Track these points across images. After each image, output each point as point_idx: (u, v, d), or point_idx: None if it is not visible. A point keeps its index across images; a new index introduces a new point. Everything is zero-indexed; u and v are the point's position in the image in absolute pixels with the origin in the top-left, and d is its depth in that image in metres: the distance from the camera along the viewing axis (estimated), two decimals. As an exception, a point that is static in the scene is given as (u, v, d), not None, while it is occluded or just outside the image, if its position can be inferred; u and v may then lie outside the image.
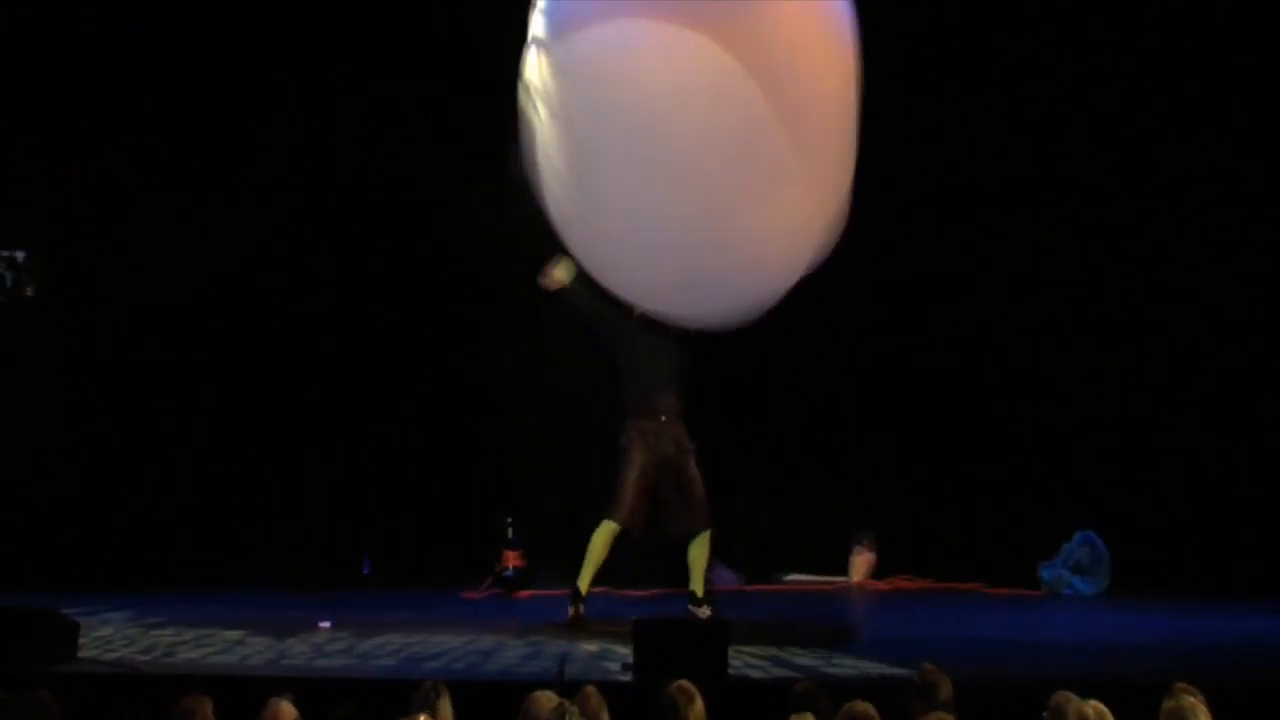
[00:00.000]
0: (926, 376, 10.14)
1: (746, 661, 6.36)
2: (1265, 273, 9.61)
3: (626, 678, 5.93)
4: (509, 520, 9.26)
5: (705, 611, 7.58)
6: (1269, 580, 8.97)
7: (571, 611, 7.41)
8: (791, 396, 10.26)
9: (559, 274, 7.54)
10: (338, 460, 9.79)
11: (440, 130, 9.58)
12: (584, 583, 7.46)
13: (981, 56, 9.87)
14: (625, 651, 6.18)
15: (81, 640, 6.41)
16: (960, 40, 9.86)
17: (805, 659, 6.50)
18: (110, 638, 6.94)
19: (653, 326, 7.50)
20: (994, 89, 9.90)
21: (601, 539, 7.44)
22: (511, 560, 9.18)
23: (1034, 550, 9.76)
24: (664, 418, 7.51)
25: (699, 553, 7.63)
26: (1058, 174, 9.94)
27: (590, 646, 6.84)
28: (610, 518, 7.42)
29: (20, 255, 6.06)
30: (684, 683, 4.59)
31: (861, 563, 10.07)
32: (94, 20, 9.42)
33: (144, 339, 9.48)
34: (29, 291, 6.10)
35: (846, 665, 6.35)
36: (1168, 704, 4.38)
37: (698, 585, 7.66)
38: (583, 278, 7.47)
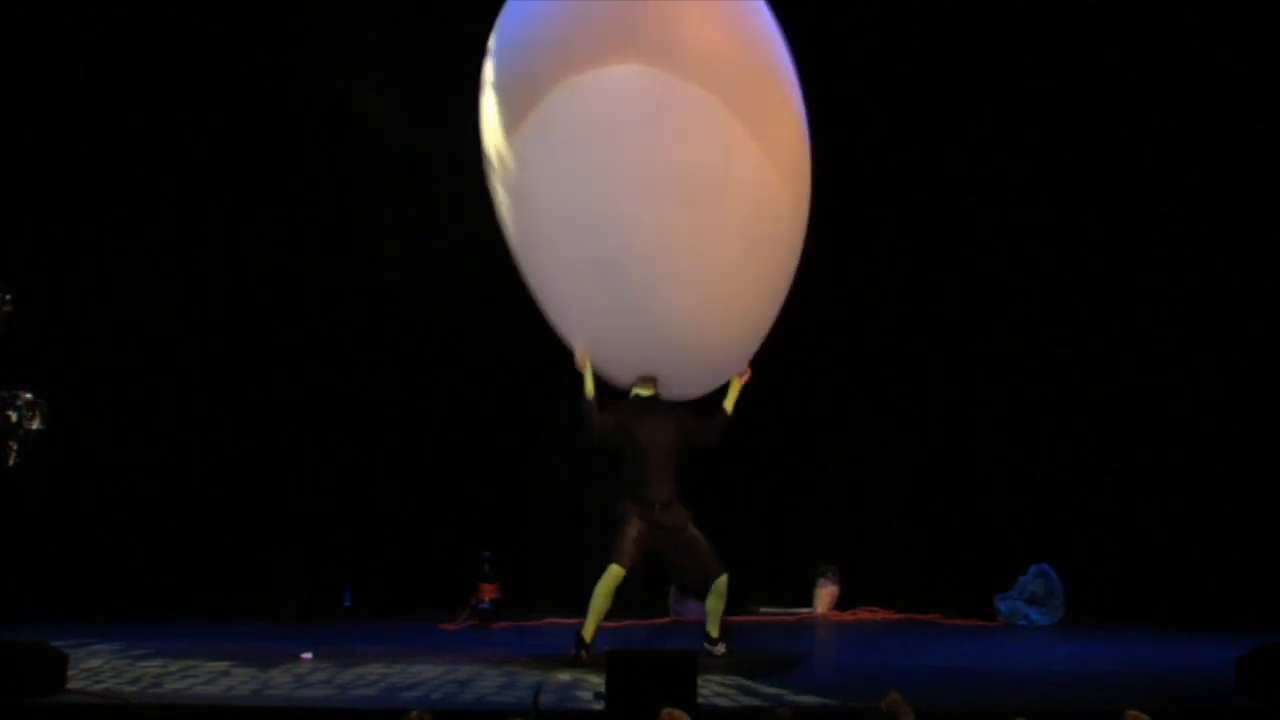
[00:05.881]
0: (887, 416, 10.35)
1: (715, 691, 6.48)
2: (1210, 310, 9.87)
3: (599, 707, 6.01)
4: (486, 555, 9.41)
5: (721, 649, 7.56)
6: (1217, 611, 9.18)
7: (574, 654, 7.36)
8: (759, 436, 10.43)
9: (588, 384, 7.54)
10: (318, 497, 9.88)
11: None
12: (589, 631, 7.40)
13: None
14: (598, 681, 6.26)
15: (70, 672, 6.47)
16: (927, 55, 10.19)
17: (772, 688, 6.60)
18: (98, 669, 6.99)
19: (645, 422, 7.49)
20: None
21: (606, 586, 7.37)
22: (488, 593, 9.31)
23: (991, 583, 9.93)
24: (657, 506, 7.46)
25: (716, 603, 7.58)
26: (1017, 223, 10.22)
27: (564, 676, 6.96)
28: (615, 562, 7.37)
29: (27, 395, 6.35)
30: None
31: (826, 595, 10.26)
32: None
33: (129, 375, 9.59)
34: (35, 425, 6.36)
35: (812, 694, 6.43)
36: (1119, 730, 4.55)
37: (714, 628, 7.62)
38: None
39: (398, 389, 10.11)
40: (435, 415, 10.16)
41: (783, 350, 10.26)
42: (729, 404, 7.69)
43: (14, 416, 6.33)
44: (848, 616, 10.09)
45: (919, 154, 10.21)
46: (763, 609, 10.22)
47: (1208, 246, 9.90)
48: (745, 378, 7.74)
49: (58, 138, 9.60)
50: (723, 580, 7.56)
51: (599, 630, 7.49)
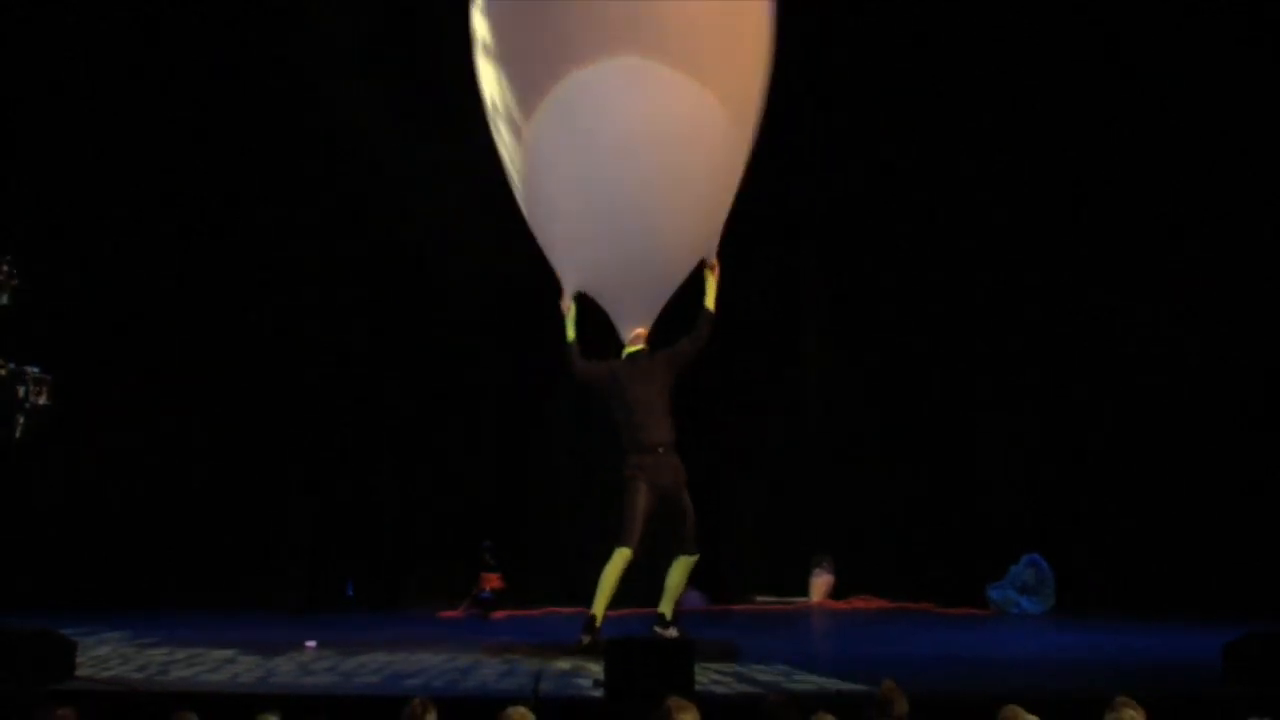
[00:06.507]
0: (882, 408, 10.43)
1: (711, 678, 6.54)
2: (1202, 304, 9.88)
3: (598, 695, 6.07)
4: (487, 544, 9.50)
5: (672, 633, 7.58)
6: (1205, 599, 9.22)
7: (586, 639, 7.36)
8: (757, 428, 10.52)
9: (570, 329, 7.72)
10: (322, 489, 9.96)
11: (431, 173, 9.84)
12: (599, 611, 7.41)
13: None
14: (597, 669, 6.31)
15: (79, 659, 6.54)
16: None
17: (768, 675, 6.68)
18: (106, 656, 7.08)
19: (637, 368, 7.60)
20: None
21: (615, 568, 7.39)
22: (489, 583, 9.41)
23: (982, 572, 10.05)
24: (660, 450, 7.52)
25: (678, 578, 7.65)
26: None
27: (563, 664, 7.02)
28: (623, 545, 7.38)
29: (35, 370, 6.43)
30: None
31: (821, 584, 10.37)
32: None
33: (135, 367, 9.69)
34: (43, 401, 6.44)
35: (808, 681, 6.50)
36: (1109, 717, 4.60)
37: (667, 608, 7.67)
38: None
39: (400, 380, 10.17)
40: (437, 406, 10.22)
41: (781, 346, 10.44)
42: (709, 301, 7.78)
43: (22, 391, 6.39)
44: (842, 605, 10.18)
45: (920, 153, 10.27)
46: (759, 597, 10.32)
47: (1206, 244, 9.91)
48: (716, 271, 7.81)
49: (59, 136, 9.65)
50: (691, 560, 7.63)
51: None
